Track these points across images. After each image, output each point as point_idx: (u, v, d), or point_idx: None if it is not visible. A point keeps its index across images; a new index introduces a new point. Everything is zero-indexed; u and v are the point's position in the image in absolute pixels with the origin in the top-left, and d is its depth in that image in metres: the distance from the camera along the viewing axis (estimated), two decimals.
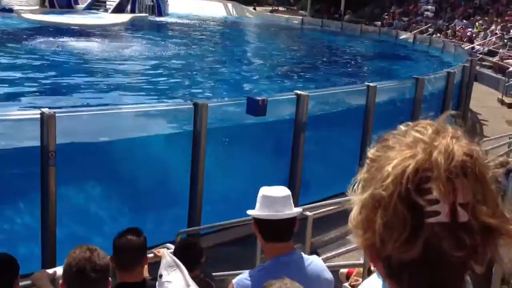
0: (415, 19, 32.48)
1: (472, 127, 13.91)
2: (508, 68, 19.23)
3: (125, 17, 29.42)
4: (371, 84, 9.27)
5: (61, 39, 21.31)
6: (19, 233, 6.50)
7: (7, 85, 13.45)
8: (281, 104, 8.43)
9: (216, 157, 7.51)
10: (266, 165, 8.12)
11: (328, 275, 2.85)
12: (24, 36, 21.72)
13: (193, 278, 2.95)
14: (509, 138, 10.42)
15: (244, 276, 2.71)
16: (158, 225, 6.91)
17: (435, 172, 0.88)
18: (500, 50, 22.22)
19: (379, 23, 33.11)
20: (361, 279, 4.68)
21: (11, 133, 6.49)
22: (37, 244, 6.01)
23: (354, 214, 0.96)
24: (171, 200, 7.45)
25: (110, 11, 30.51)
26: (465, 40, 25.44)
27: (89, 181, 6.87)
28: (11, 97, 11.99)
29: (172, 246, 4.59)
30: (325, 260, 4.16)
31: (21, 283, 3.42)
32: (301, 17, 37.28)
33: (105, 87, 14.02)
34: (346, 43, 27.83)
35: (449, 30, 28.05)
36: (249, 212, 2.80)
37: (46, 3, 29.87)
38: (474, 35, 25.87)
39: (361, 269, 4.81)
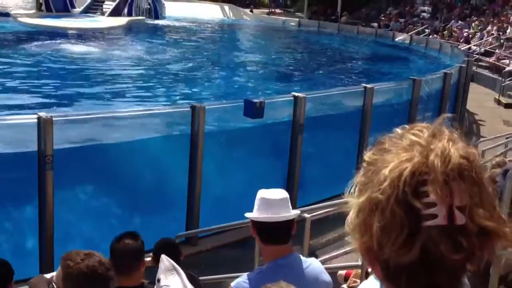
0: (412, 20, 32.54)
1: (469, 127, 13.94)
2: (505, 68, 19.28)
3: (122, 20, 29.34)
4: (368, 86, 9.28)
5: (58, 43, 21.27)
6: (16, 238, 6.47)
7: (3, 89, 13.44)
8: (279, 106, 8.43)
9: (214, 159, 7.51)
10: (264, 167, 8.12)
11: (327, 277, 2.85)
12: (21, 40, 21.68)
13: None
14: (506, 138, 10.43)
15: (242, 279, 2.71)
16: (156, 228, 6.89)
17: (432, 175, 0.87)
18: (497, 51, 22.28)
19: (375, 24, 33.14)
20: (359, 281, 4.67)
21: (8, 137, 6.48)
22: (34, 249, 6.00)
23: (351, 217, 0.96)
24: (169, 203, 7.44)
25: (107, 14, 30.42)
26: (461, 40, 25.50)
27: (86, 185, 6.86)
28: (7, 102, 11.95)
29: None
30: (323, 262, 4.16)
31: None
32: (298, 19, 37.32)
33: (102, 91, 13.99)
34: (343, 44, 27.86)
35: (446, 31, 28.09)
36: (247, 214, 2.80)
37: (43, 7, 29.81)
38: (470, 35, 25.95)
39: (359, 271, 4.81)
